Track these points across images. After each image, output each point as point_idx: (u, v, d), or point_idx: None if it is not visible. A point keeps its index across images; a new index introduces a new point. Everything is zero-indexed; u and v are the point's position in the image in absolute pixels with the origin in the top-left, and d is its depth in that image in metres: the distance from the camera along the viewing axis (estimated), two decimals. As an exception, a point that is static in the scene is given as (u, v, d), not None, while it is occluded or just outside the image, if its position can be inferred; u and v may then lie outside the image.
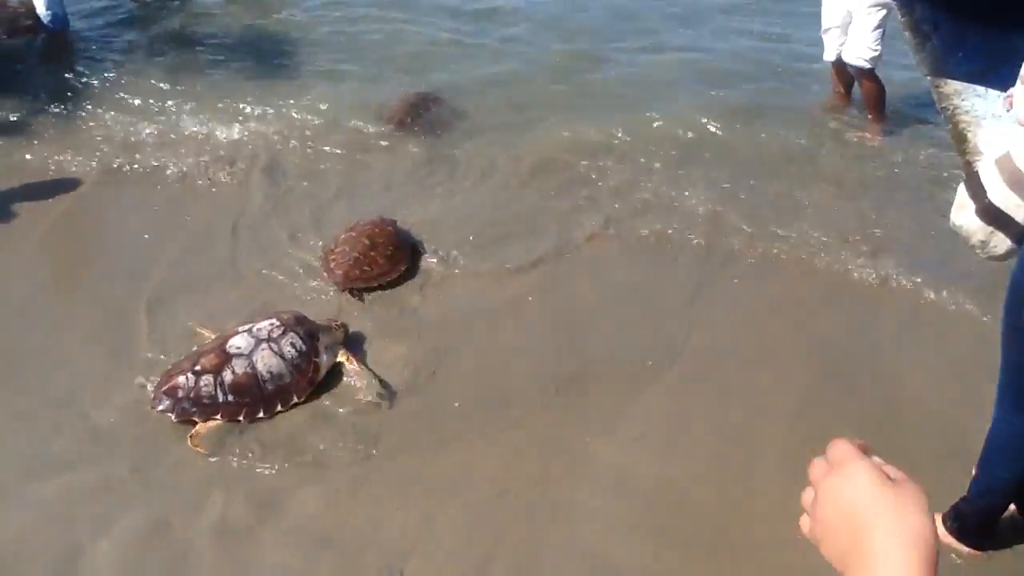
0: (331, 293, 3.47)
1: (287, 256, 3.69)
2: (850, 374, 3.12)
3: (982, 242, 1.84)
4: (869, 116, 4.85)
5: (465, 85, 5.17)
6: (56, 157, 4.35)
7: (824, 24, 4.84)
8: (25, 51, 5.38)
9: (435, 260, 3.68)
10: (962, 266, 3.48)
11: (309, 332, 3.05)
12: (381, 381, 2.99)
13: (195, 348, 3.04)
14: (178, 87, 5.04)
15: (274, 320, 3.04)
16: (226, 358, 2.89)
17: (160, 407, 2.80)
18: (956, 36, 1.87)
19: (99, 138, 4.53)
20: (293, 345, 2.98)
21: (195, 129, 4.62)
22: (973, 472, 2.34)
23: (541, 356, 3.18)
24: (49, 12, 5.13)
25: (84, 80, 5.09)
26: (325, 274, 3.52)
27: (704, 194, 4.12)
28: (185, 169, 4.28)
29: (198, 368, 2.86)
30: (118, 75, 5.17)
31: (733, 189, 4.19)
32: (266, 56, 5.49)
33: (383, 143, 4.58)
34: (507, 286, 3.57)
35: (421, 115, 4.76)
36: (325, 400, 2.96)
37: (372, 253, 3.52)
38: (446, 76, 5.29)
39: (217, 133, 4.58)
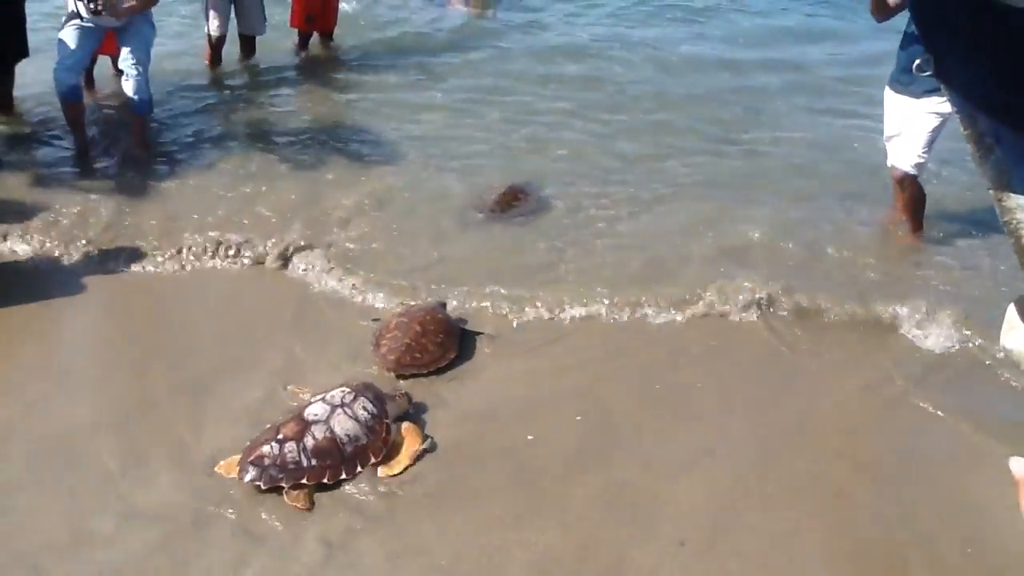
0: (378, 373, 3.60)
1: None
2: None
3: None
4: (909, 224, 4.85)
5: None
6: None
7: (887, 132, 4.83)
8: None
9: (488, 349, 3.81)
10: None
11: (377, 396, 3.24)
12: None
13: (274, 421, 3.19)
14: (251, 177, 5.29)
15: (344, 387, 3.23)
16: (305, 425, 3.06)
17: (248, 477, 2.93)
18: (1020, 149, 2.01)
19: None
20: (365, 408, 3.16)
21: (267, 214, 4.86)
22: None
23: (576, 455, 3.21)
24: (137, 96, 5.32)
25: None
26: (376, 358, 3.65)
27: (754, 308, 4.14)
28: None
29: (280, 437, 3.02)
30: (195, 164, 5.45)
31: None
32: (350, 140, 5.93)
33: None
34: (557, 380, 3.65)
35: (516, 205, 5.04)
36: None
37: (423, 340, 3.64)
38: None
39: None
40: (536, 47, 7.80)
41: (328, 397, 3.17)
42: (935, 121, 4.50)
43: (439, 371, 3.64)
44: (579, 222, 4.91)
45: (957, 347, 3.89)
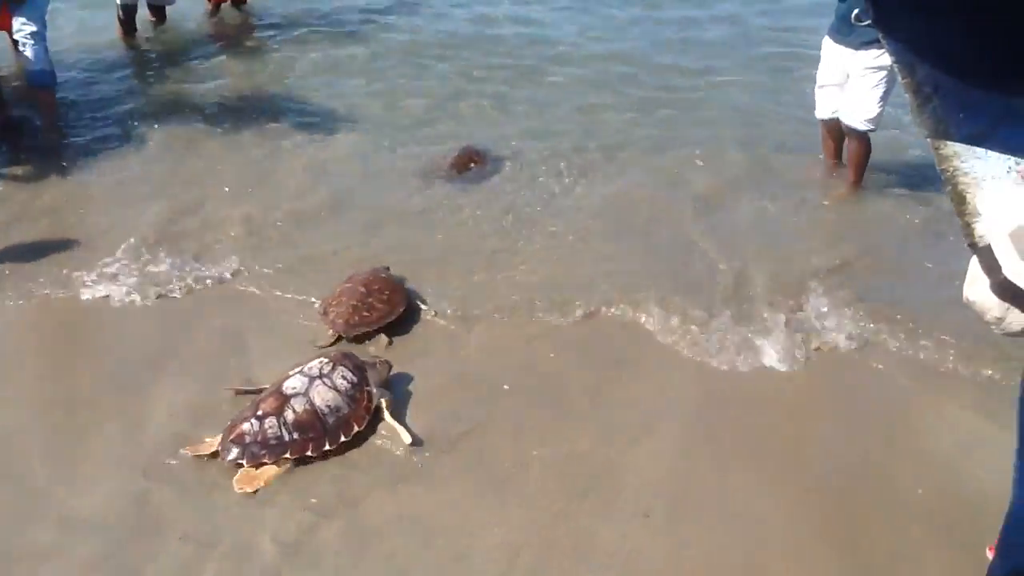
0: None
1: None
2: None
3: (998, 318, 1.74)
4: (850, 175, 4.87)
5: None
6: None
7: (820, 81, 4.85)
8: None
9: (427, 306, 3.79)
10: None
11: (357, 365, 3.20)
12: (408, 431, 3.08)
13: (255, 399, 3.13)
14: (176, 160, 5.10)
15: (322, 358, 3.17)
16: (284, 399, 3.01)
17: (230, 456, 2.90)
18: (957, 98, 1.84)
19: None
20: (344, 378, 3.11)
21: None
22: (989, 555, 2.40)
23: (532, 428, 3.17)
24: (37, 66, 5.00)
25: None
26: (326, 324, 3.62)
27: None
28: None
29: (260, 413, 2.97)
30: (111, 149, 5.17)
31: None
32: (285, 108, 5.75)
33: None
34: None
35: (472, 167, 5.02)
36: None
37: (369, 299, 3.65)
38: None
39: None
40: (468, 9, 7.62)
41: (306, 369, 3.12)
42: (880, 75, 4.48)
43: (390, 327, 3.63)
44: (533, 184, 4.87)
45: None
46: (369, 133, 5.43)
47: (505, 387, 3.34)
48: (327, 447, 2.97)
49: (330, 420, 3.01)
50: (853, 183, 4.85)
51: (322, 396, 3.03)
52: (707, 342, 3.58)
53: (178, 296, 3.87)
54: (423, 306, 3.78)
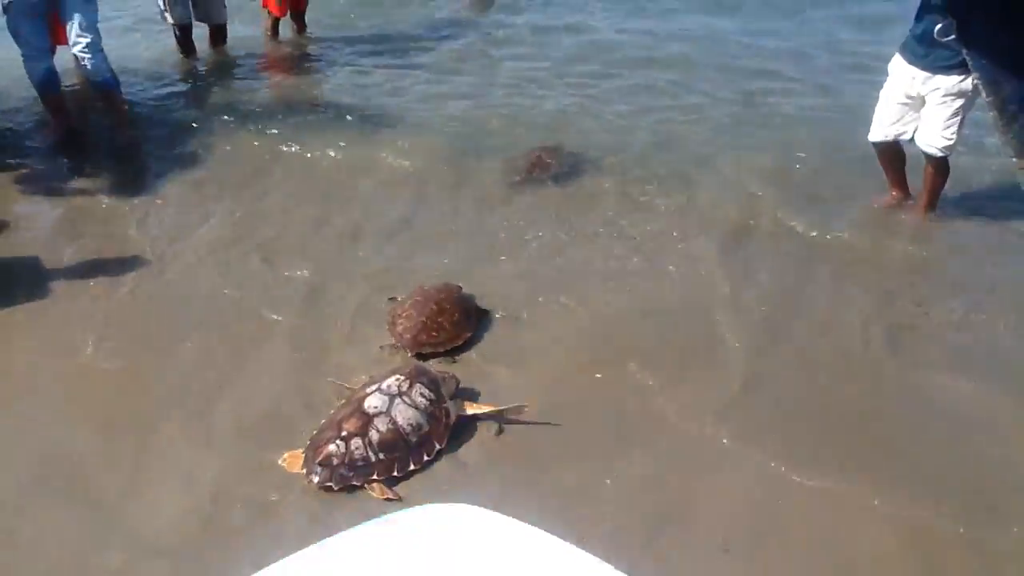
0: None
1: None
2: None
3: None
4: (924, 198, 4.68)
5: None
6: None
7: (886, 99, 4.58)
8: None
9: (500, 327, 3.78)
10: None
11: (432, 380, 3.20)
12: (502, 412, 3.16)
13: (331, 413, 3.12)
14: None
15: (398, 375, 3.16)
16: (368, 418, 3.00)
17: (317, 479, 2.89)
18: None
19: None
20: (423, 395, 3.11)
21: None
22: None
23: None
24: (99, 76, 5.15)
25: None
26: (393, 337, 3.62)
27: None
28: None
29: (344, 433, 2.96)
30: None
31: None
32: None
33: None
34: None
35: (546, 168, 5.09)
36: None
37: (440, 319, 3.62)
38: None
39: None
40: (525, 25, 7.80)
41: (384, 387, 3.11)
42: (959, 101, 4.31)
43: (455, 350, 3.62)
44: (604, 188, 4.96)
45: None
46: (439, 143, 5.48)
47: (567, 410, 3.31)
48: (412, 467, 2.98)
49: (413, 439, 3.01)
50: (926, 206, 4.67)
51: (404, 415, 3.03)
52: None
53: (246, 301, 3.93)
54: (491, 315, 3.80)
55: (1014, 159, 2.04)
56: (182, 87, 6.34)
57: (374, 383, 3.15)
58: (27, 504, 2.86)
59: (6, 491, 2.91)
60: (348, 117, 5.80)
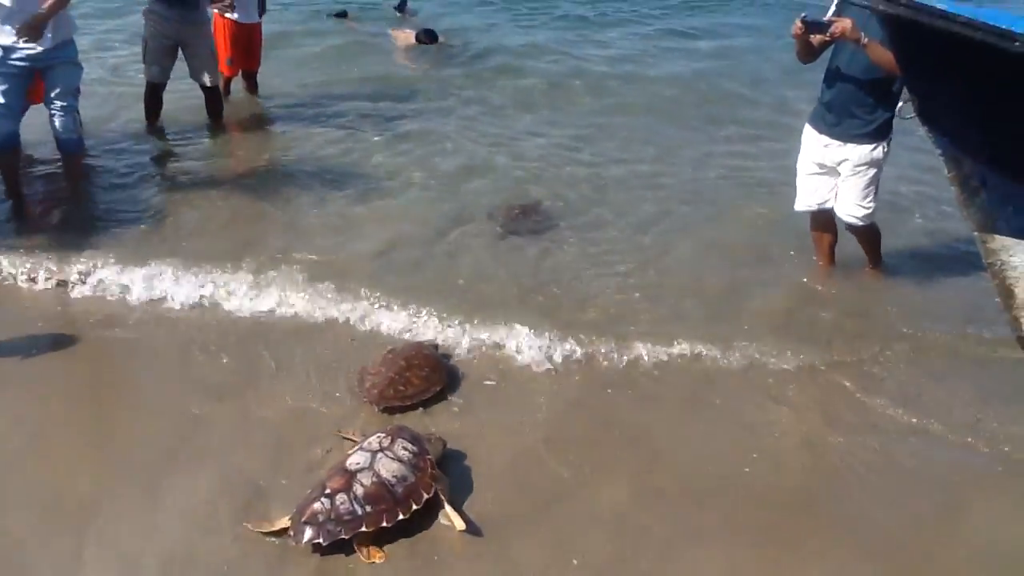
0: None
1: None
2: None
3: None
4: (869, 262, 4.78)
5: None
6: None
7: (803, 170, 4.61)
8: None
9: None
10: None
11: (414, 436, 3.21)
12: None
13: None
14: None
15: (379, 433, 3.18)
16: (350, 475, 2.99)
17: (305, 537, 2.84)
18: (1005, 192, 1.80)
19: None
20: (405, 448, 3.12)
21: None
22: None
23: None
24: (64, 135, 5.25)
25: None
26: (361, 393, 3.68)
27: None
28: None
29: (328, 491, 2.93)
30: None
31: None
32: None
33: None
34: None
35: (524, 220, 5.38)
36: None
37: (407, 374, 3.69)
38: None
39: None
40: (483, 68, 8.43)
41: (365, 445, 3.12)
42: (873, 170, 4.36)
43: (425, 404, 3.65)
44: (579, 247, 5.11)
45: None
46: (437, 185, 5.84)
47: (563, 474, 3.31)
48: (400, 516, 2.93)
49: (399, 490, 2.98)
50: (873, 269, 4.78)
51: (387, 468, 3.02)
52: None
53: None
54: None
55: (975, 232, 2.11)
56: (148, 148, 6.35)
57: (355, 447, 3.16)
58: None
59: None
60: (305, 184, 5.86)
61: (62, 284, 4.50)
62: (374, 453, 3.07)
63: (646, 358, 4.01)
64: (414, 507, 2.98)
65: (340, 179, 5.88)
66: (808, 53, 4.34)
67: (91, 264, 4.64)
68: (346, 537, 2.84)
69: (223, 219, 5.34)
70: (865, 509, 3.17)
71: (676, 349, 4.07)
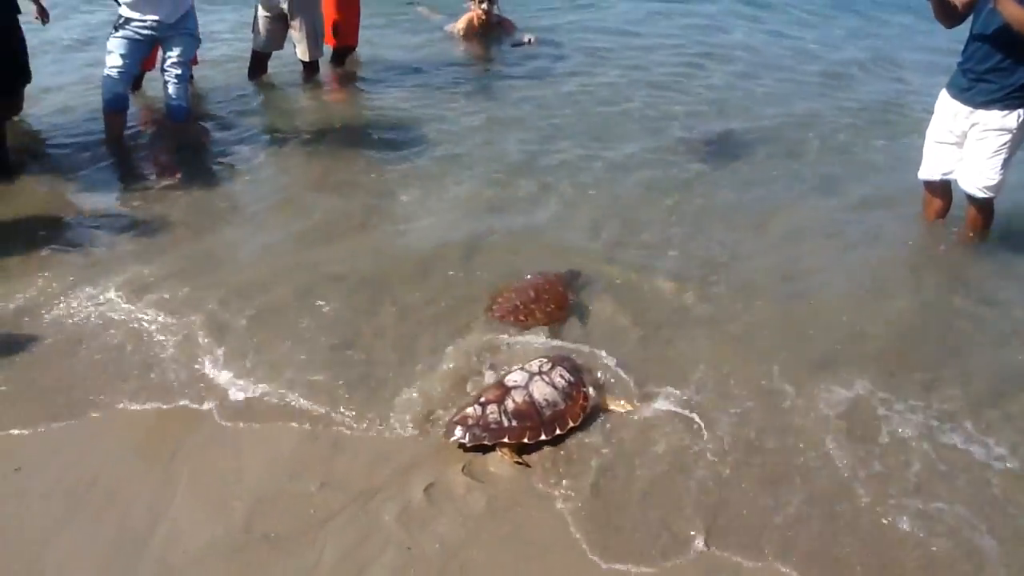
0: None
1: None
2: None
3: None
4: (967, 235, 4.56)
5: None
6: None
7: (931, 138, 4.48)
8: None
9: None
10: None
11: (574, 367, 3.33)
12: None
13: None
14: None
15: (543, 358, 3.34)
16: (506, 390, 3.19)
17: (454, 436, 3.08)
18: None
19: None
20: (562, 377, 3.25)
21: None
22: None
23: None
24: (175, 101, 5.53)
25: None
26: (487, 312, 3.86)
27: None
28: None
29: (482, 400, 3.16)
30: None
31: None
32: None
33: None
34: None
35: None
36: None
37: (533, 305, 3.82)
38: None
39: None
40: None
41: (527, 366, 3.30)
42: (1003, 138, 4.10)
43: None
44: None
45: None
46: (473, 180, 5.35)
47: None
48: (542, 437, 3.09)
49: (547, 413, 3.13)
50: (971, 239, 4.52)
51: (540, 390, 3.18)
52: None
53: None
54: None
55: None
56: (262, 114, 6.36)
57: (518, 365, 3.35)
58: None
59: None
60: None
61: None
62: (532, 375, 3.24)
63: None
64: (558, 432, 3.11)
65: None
66: (947, 15, 4.10)
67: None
68: (488, 444, 3.06)
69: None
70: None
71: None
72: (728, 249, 4.54)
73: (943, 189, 4.58)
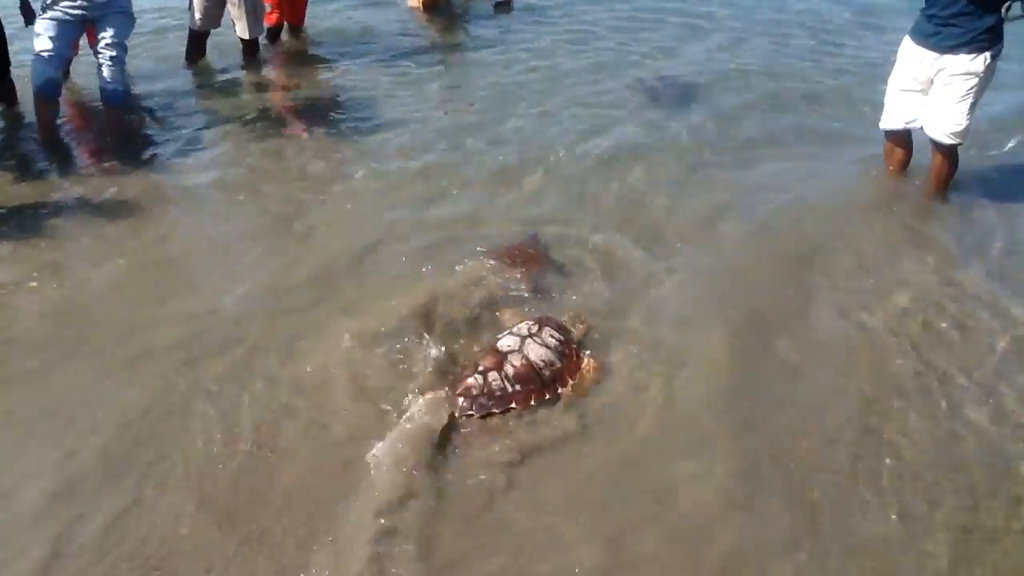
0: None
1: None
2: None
3: None
4: (930, 187, 4.50)
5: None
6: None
7: (894, 86, 4.44)
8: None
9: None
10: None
11: (559, 325, 3.37)
12: None
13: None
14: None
15: (527, 321, 3.35)
16: (502, 356, 3.18)
17: (459, 409, 3.04)
18: None
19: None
20: (552, 336, 3.28)
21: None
22: None
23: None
24: (111, 85, 5.13)
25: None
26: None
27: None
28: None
29: (481, 369, 3.13)
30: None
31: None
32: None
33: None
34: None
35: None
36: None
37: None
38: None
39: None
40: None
41: (515, 330, 3.30)
42: (969, 82, 4.10)
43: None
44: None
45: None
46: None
47: None
48: (547, 397, 3.12)
49: (546, 373, 3.16)
50: (932, 193, 4.50)
51: (536, 352, 3.19)
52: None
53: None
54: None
55: None
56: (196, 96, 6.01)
57: (504, 331, 3.34)
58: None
59: None
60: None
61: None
62: (523, 338, 3.24)
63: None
64: (560, 390, 3.15)
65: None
66: None
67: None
68: (497, 411, 3.05)
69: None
70: None
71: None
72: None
73: (905, 139, 4.59)
